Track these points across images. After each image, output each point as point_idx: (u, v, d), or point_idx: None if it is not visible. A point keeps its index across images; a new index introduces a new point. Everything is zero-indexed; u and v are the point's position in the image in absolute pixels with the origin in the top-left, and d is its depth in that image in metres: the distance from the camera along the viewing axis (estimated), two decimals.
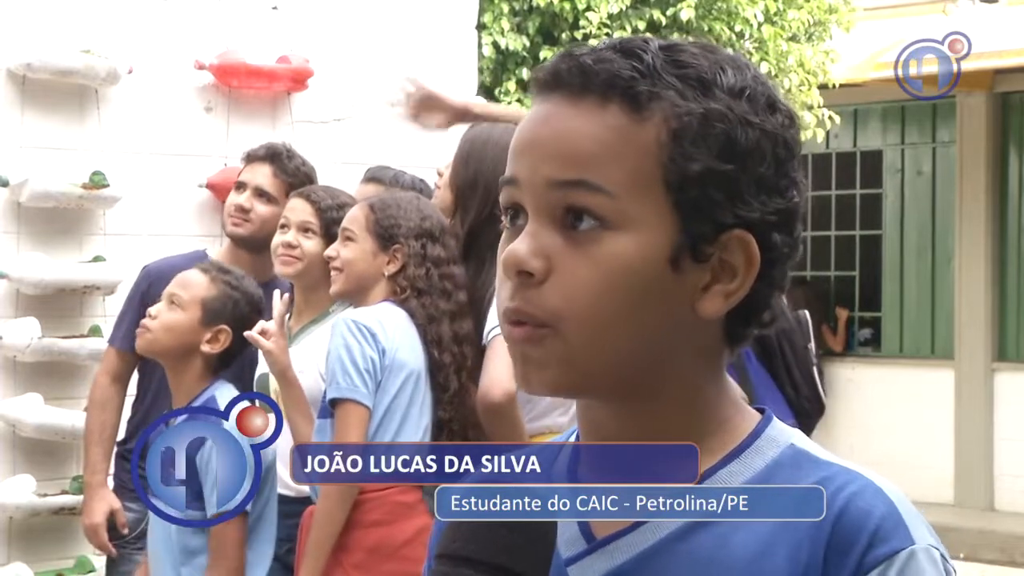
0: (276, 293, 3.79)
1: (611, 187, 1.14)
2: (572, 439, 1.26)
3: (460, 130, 3.95)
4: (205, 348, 3.54)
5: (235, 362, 3.67)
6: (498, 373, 3.37)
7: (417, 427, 3.54)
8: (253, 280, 3.77)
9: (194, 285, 3.60)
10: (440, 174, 4.29)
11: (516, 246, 1.16)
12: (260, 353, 4.04)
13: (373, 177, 4.54)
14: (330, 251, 3.65)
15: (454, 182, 3.78)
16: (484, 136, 3.78)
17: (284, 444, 3.94)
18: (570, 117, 1.16)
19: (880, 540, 1.12)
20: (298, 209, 3.96)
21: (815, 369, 5.68)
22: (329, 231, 3.90)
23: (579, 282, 1.14)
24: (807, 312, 6.01)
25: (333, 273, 3.63)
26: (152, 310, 3.61)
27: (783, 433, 1.21)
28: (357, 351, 3.43)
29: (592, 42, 1.23)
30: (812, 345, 5.75)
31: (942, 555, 1.15)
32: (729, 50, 1.23)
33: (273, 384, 3.93)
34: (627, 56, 1.16)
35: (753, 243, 1.16)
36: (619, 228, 1.14)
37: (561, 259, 1.14)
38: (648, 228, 1.14)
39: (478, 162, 3.69)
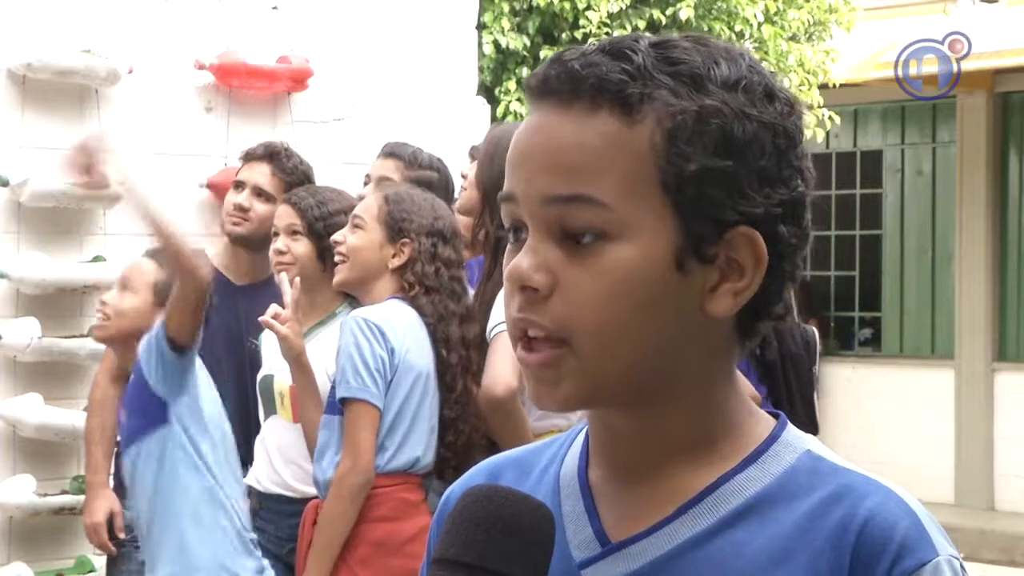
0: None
1: (606, 198, 1.12)
2: (582, 437, 1.25)
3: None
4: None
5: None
6: (500, 369, 3.38)
7: (426, 426, 3.54)
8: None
9: (144, 271, 3.70)
10: (464, 176, 4.30)
11: (519, 261, 1.14)
12: (262, 355, 4.04)
13: (392, 152, 4.47)
14: (337, 236, 3.65)
15: (480, 181, 3.79)
16: (509, 134, 3.79)
17: (288, 445, 3.95)
18: (560, 126, 1.14)
19: (907, 552, 1.11)
20: (283, 214, 3.98)
21: (815, 394, 5.68)
22: (314, 230, 3.91)
23: (584, 295, 1.12)
24: (815, 330, 5.99)
25: (337, 258, 3.63)
26: (106, 298, 3.72)
27: (799, 439, 1.20)
28: (367, 350, 3.43)
29: (592, 42, 1.20)
30: (817, 368, 5.74)
31: (961, 565, 1.14)
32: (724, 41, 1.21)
33: (277, 386, 3.93)
34: (616, 58, 1.14)
35: (759, 239, 1.14)
36: (619, 237, 1.12)
37: (564, 273, 1.13)
38: (649, 234, 1.12)
39: (503, 160, 3.71)
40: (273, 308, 3.66)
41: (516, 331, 1.16)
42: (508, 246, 1.18)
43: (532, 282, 1.13)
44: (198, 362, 3.60)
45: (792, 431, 1.21)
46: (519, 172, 1.16)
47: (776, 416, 1.23)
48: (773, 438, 1.19)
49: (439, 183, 4.37)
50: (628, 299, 1.12)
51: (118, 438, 4.30)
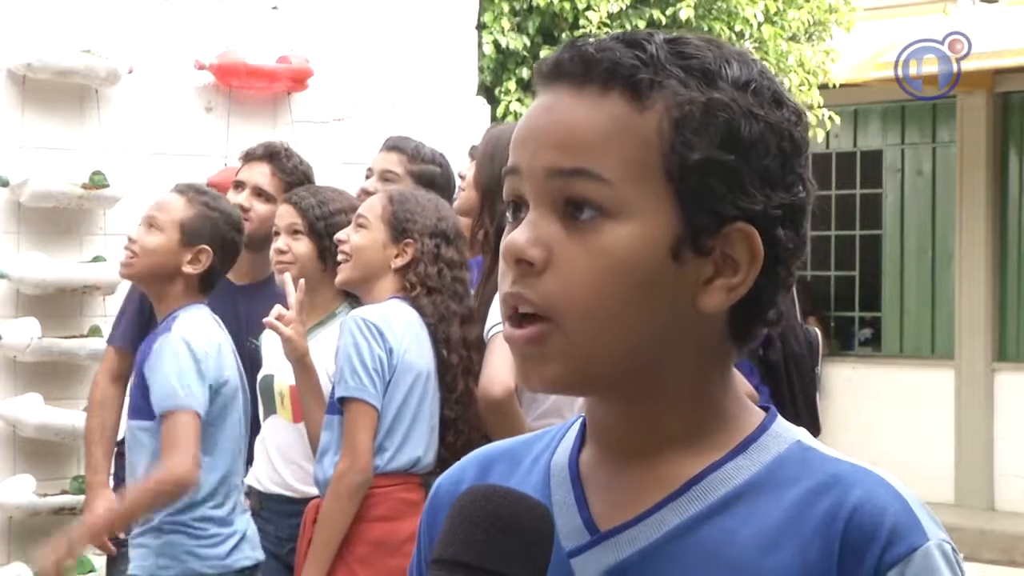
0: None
1: (610, 176, 1.13)
2: (575, 428, 1.25)
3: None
4: (187, 269, 3.60)
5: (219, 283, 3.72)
6: (498, 369, 3.38)
7: (426, 426, 3.54)
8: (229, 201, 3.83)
9: (172, 208, 3.65)
10: (462, 176, 4.29)
11: (516, 235, 1.15)
12: (262, 354, 4.04)
13: (395, 146, 4.47)
14: (341, 235, 3.65)
15: (479, 180, 3.78)
16: (508, 133, 3.79)
17: (288, 445, 3.95)
18: (571, 106, 1.15)
19: (898, 538, 1.11)
20: (284, 214, 3.98)
21: (817, 395, 5.68)
22: (315, 229, 3.91)
23: (579, 272, 1.13)
24: (818, 331, 5.99)
25: (341, 257, 3.63)
26: (133, 235, 3.67)
27: (788, 430, 1.20)
28: (366, 350, 3.43)
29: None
30: (819, 369, 5.74)
31: (952, 548, 1.15)
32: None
33: (277, 386, 3.93)
34: (630, 46, 1.15)
35: (756, 237, 1.15)
36: (619, 217, 1.13)
37: (561, 249, 1.13)
38: (648, 218, 1.13)
39: (503, 159, 3.70)
40: (277, 309, 3.66)
41: (507, 308, 1.16)
42: (507, 225, 1.19)
43: (527, 255, 1.14)
44: (221, 346, 3.62)
45: (782, 423, 1.21)
46: (525, 146, 1.18)
47: (767, 409, 1.23)
48: (763, 429, 1.19)
49: (441, 178, 4.38)
50: (623, 282, 1.13)
51: (118, 438, 4.31)
